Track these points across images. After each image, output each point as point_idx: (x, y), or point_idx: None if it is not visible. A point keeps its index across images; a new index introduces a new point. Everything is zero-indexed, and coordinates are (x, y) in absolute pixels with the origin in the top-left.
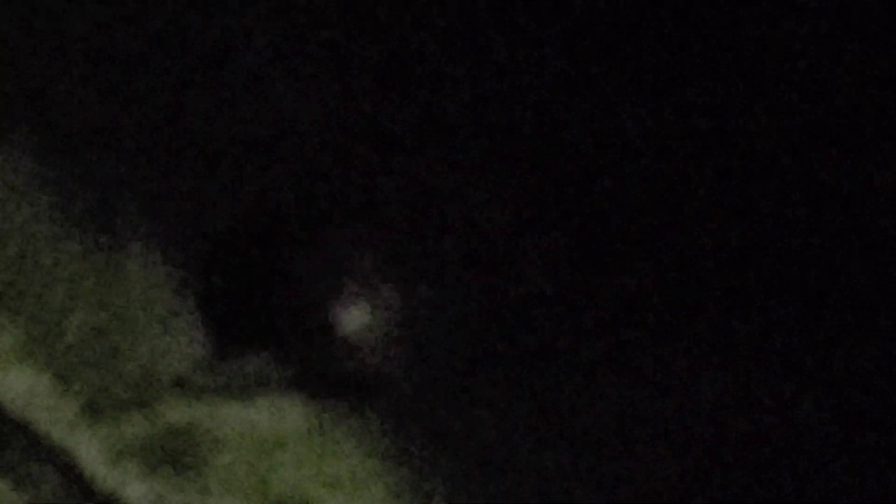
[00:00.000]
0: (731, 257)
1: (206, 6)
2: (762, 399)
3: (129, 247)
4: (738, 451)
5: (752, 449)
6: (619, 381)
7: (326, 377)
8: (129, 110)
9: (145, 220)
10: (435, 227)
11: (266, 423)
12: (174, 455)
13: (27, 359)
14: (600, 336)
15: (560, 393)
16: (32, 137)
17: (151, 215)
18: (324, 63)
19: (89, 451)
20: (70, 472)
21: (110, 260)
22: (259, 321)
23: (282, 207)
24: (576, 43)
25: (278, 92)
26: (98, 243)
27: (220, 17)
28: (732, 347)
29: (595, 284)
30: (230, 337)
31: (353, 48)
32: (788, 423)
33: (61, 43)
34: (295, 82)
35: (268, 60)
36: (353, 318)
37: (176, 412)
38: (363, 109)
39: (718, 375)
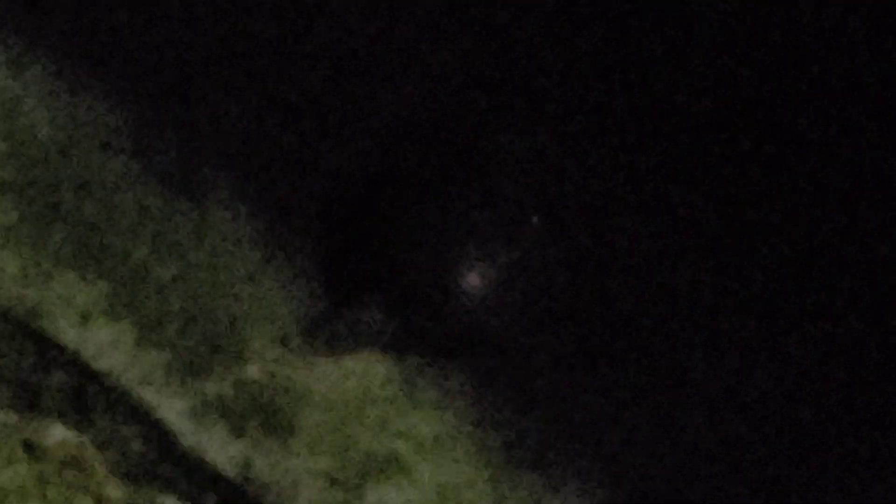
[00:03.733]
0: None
1: None
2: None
3: (214, 204)
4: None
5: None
6: (707, 360)
7: (435, 335)
8: (218, 66)
9: (230, 178)
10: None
11: (354, 382)
12: (261, 415)
13: (110, 313)
14: (692, 312)
15: (650, 374)
16: (120, 93)
17: (237, 173)
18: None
19: (175, 409)
20: (154, 430)
21: (194, 216)
22: (373, 277)
23: (398, 168)
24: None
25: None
26: (182, 199)
27: None
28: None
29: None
30: (339, 293)
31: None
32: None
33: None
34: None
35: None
36: (473, 279)
37: (263, 371)
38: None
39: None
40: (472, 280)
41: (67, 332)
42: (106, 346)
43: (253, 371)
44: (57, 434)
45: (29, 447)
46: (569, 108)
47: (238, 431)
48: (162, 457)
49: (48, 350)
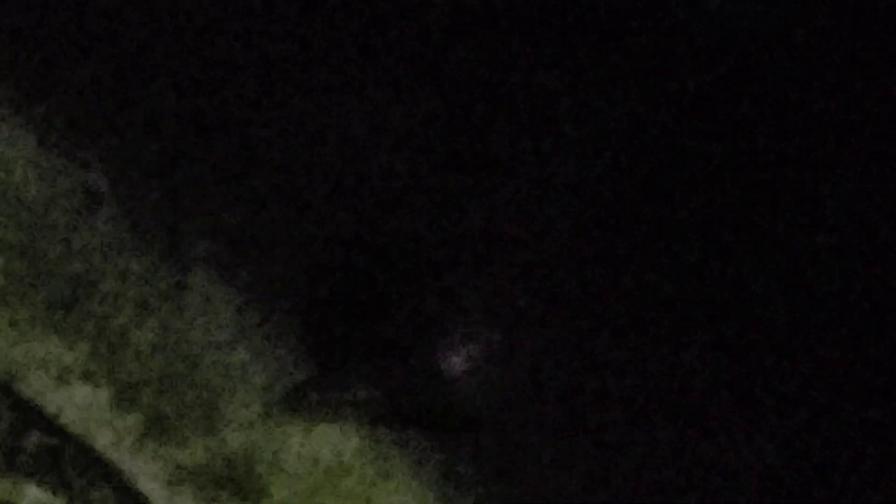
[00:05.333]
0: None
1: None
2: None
3: (195, 270)
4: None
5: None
6: (682, 433)
7: (415, 410)
8: (203, 137)
9: (213, 245)
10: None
11: (328, 451)
12: (234, 483)
13: (89, 376)
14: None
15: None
16: (107, 157)
17: (220, 239)
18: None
19: (147, 474)
20: (126, 493)
21: (174, 283)
22: (356, 350)
23: (386, 242)
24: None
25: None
26: (163, 266)
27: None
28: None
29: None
30: (321, 363)
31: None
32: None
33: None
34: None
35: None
36: (459, 362)
37: (237, 440)
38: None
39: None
40: (457, 360)
41: (45, 394)
42: (82, 408)
43: (227, 439)
44: (31, 495)
45: None
46: (551, 187)
47: (210, 498)
48: None
49: (26, 411)
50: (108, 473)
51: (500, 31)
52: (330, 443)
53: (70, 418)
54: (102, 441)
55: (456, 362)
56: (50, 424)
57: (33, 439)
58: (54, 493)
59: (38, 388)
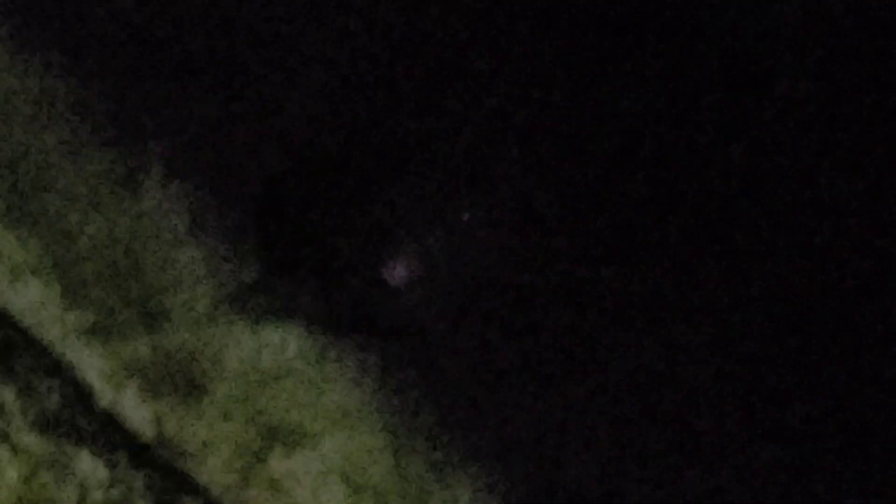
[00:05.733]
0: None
1: None
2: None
3: (150, 170)
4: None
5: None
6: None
7: (357, 315)
8: (170, 36)
9: (168, 145)
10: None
11: (270, 352)
12: (176, 379)
13: (39, 271)
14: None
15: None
16: (64, 61)
17: (175, 140)
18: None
19: (94, 368)
20: (74, 386)
21: (129, 181)
22: (303, 254)
23: (334, 150)
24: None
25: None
26: (118, 164)
27: None
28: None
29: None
30: (268, 265)
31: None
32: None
33: None
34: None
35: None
36: (402, 270)
37: (182, 336)
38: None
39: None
40: (399, 269)
41: None
42: (33, 302)
43: (172, 336)
44: None
45: None
46: (504, 104)
47: (153, 393)
48: (79, 413)
49: None
50: (56, 366)
51: None
52: (272, 345)
53: (21, 311)
54: (51, 335)
55: (398, 272)
56: (2, 317)
57: None
58: (4, 383)
59: None
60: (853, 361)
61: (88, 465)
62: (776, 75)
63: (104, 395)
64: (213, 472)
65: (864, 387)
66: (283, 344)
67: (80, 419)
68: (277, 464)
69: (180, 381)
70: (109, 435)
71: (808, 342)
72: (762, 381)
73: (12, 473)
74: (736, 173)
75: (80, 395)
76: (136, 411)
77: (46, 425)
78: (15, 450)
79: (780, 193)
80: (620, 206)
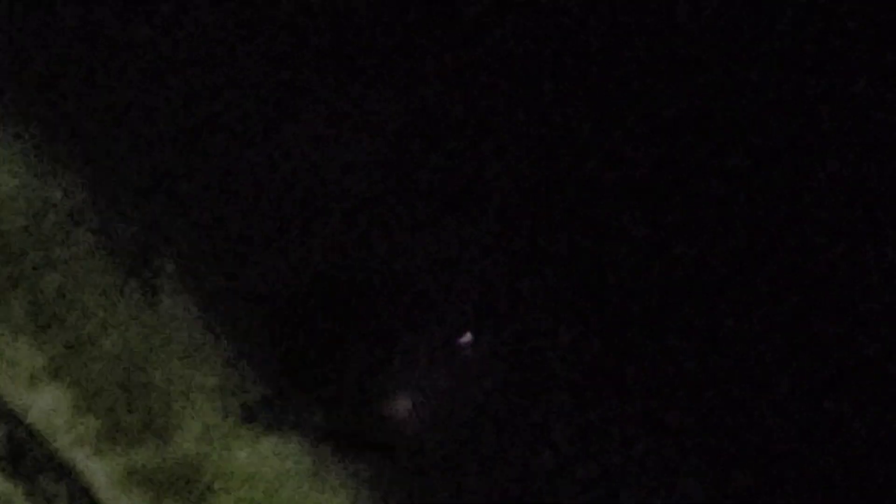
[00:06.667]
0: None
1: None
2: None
3: (164, 285)
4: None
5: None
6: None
7: (356, 435)
8: (186, 158)
9: (183, 262)
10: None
11: (270, 463)
12: (181, 487)
13: (56, 379)
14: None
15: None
16: (90, 172)
17: (190, 257)
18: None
19: (102, 474)
20: (81, 491)
21: (145, 296)
22: (312, 375)
23: (348, 280)
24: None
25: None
26: (134, 278)
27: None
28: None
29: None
30: (276, 384)
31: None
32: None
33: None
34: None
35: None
36: (401, 404)
37: (189, 448)
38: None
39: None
40: (400, 405)
41: (14, 392)
42: (47, 408)
43: (179, 446)
44: None
45: None
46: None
47: (158, 501)
48: None
49: None
50: (65, 470)
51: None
52: (273, 456)
53: (35, 417)
54: (63, 441)
55: (402, 405)
56: (16, 420)
57: (1, 432)
58: (14, 485)
59: (8, 385)
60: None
61: None
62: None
63: (111, 500)
64: None
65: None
66: (282, 456)
67: None
68: None
69: (185, 489)
70: None
71: None
72: None
73: None
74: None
75: (86, 500)
76: None
77: None
78: None
79: None
80: (622, 337)
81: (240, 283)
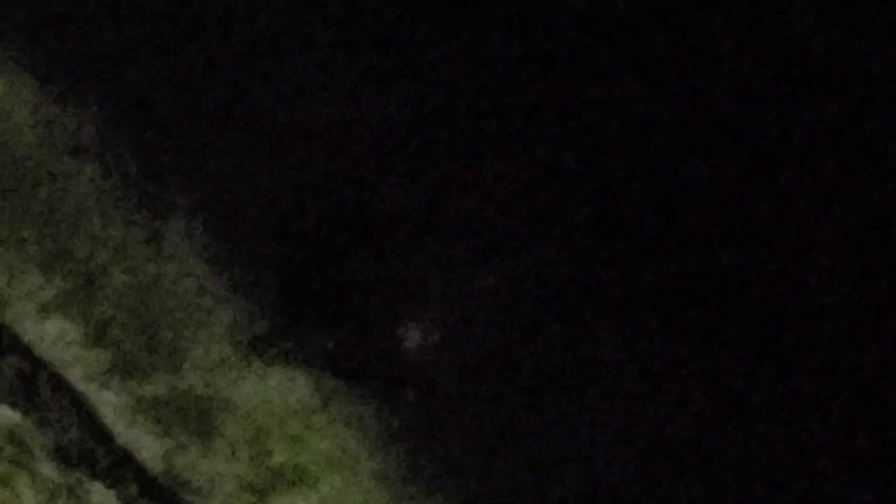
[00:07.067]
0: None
1: None
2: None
3: (172, 216)
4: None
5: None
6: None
7: (364, 367)
8: (190, 92)
9: (190, 194)
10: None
11: (277, 397)
12: (189, 418)
13: (65, 311)
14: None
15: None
16: (95, 106)
17: (196, 190)
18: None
19: (111, 405)
20: (91, 421)
21: (153, 229)
22: (324, 307)
23: (362, 209)
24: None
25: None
26: (143, 211)
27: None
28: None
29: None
30: (287, 315)
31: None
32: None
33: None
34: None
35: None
36: (414, 335)
37: (196, 379)
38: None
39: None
40: (414, 332)
41: (25, 323)
42: (57, 340)
43: (187, 378)
44: (4, 414)
45: None
46: (524, 174)
47: (165, 430)
48: (94, 446)
49: (6, 337)
50: (75, 401)
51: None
52: (280, 389)
53: (45, 347)
54: (73, 371)
55: (413, 334)
56: (27, 351)
57: (11, 362)
58: (26, 415)
59: (20, 317)
60: None
61: (101, 496)
62: None
63: (120, 430)
64: None
65: None
66: (288, 388)
67: (94, 454)
68: (278, 502)
69: (192, 420)
70: (122, 469)
71: None
72: None
73: (30, 499)
74: None
75: (96, 430)
76: (149, 447)
77: (64, 457)
78: (33, 477)
79: None
80: (636, 274)
81: (249, 214)
